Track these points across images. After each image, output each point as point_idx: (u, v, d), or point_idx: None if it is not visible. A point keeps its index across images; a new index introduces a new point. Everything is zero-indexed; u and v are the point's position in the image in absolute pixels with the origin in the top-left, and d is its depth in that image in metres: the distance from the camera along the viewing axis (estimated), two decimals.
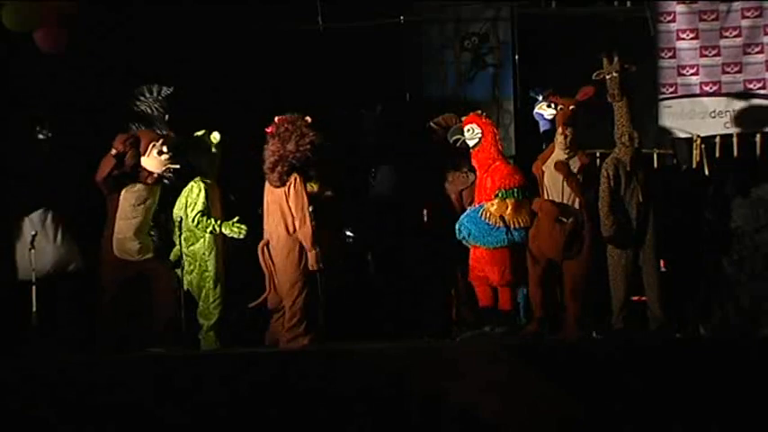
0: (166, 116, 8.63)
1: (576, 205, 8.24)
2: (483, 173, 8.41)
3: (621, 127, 8.34)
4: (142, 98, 8.69)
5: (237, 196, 8.63)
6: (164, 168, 8.28)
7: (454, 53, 10.33)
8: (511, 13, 10.27)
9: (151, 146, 8.23)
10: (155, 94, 8.69)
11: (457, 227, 8.33)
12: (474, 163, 8.47)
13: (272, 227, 8.18)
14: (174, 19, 9.30)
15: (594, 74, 8.39)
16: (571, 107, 8.39)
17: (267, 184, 8.26)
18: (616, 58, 8.30)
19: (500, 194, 8.29)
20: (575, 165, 8.31)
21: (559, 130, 8.34)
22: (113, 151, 8.18)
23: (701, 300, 8.48)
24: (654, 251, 8.25)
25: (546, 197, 8.29)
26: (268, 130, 8.23)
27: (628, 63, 8.33)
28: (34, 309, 7.97)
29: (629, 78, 8.36)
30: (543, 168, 8.36)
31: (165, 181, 8.41)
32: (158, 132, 8.45)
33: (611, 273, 8.32)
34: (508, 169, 8.40)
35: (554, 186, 8.29)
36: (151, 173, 8.25)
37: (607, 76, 8.32)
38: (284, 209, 8.13)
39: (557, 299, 8.41)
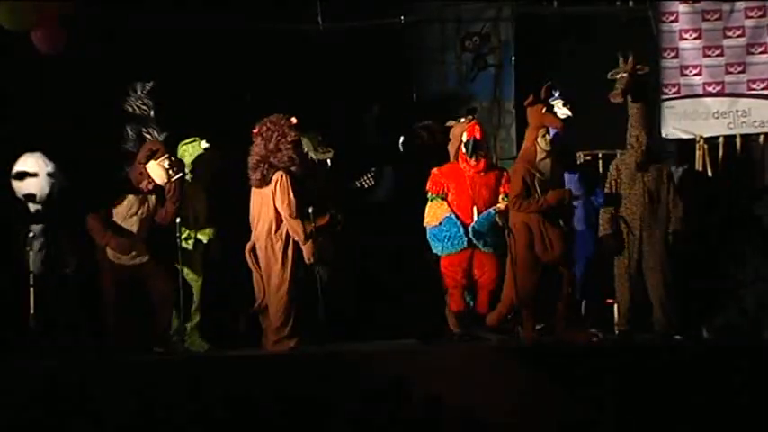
0: (152, 113, 8.55)
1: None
2: (484, 176, 8.37)
3: (631, 128, 8.31)
4: (129, 98, 8.63)
5: (231, 200, 8.61)
6: (164, 181, 8.15)
7: (455, 53, 10.32)
8: (512, 13, 10.25)
9: (164, 156, 8.14)
10: (138, 92, 8.63)
11: (469, 236, 8.24)
12: (476, 168, 8.37)
13: (259, 229, 8.15)
14: (173, 19, 9.27)
15: (610, 73, 8.34)
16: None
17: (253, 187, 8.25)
18: (630, 59, 8.27)
19: (506, 198, 8.32)
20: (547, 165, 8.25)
21: (541, 132, 8.22)
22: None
23: (705, 302, 8.44)
24: (660, 255, 8.21)
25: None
26: (254, 130, 8.22)
27: (641, 65, 8.30)
28: (32, 310, 7.98)
29: (643, 80, 8.36)
30: (534, 171, 8.24)
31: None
32: (165, 147, 8.39)
33: (616, 275, 8.30)
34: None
35: (546, 189, 8.19)
36: (152, 180, 8.19)
37: (617, 76, 8.28)
38: (271, 210, 8.09)
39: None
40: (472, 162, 8.34)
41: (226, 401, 7.16)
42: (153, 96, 8.59)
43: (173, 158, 8.20)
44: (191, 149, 8.55)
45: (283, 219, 8.06)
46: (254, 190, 8.22)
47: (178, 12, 9.29)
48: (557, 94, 8.93)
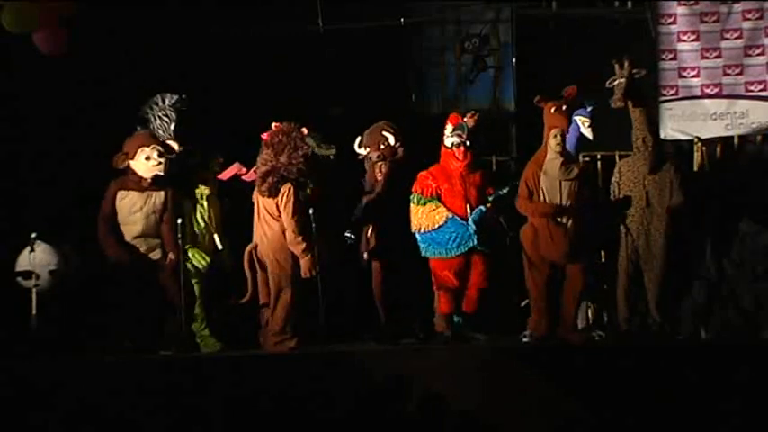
0: (172, 125, 8.51)
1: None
2: (473, 174, 8.34)
3: (636, 131, 8.34)
4: (155, 106, 8.59)
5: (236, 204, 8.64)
6: (151, 174, 8.20)
7: (455, 55, 10.33)
8: (511, 14, 10.27)
9: (140, 150, 8.20)
10: (164, 103, 8.60)
11: (466, 238, 8.19)
12: (465, 164, 8.32)
13: (262, 231, 8.18)
14: (172, 22, 9.28)
15: (608, 81, 8.37)
16: (564, 107, 8.27)
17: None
18: (626, 63, 8.29)
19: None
20: (572, 169, 8.25)
21: (553, 132, 8.17)
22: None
23: (702, 302, 8.47)
24: (661, 256, 8.23)
25: (543, 201, 8.21)
26: (264, 136, 8.22)
27: (637, 68, 8.32)
28: (34, 311, 8.00)
29: (640, 82, 8.38)
30: (540, 173, 8.23)
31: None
32: (152, 137, 8.37)
33: (618, 276, 8.34)
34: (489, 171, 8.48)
35: (551, 190, 8.20)
36: (142, 177, 8.21)
37: (615, 83, 8.31)
38: (274, 215, 8.12)
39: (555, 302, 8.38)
40: (459, 153, 8.27)
41: (226, 401, 7.18)
42: (179, 110, 8.55)
43: (157, 149, 8.20)
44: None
45: (286, 232, 8.09)
46: (257, 194, 8.26)
47: (177, 14, 9.29)
48: (589, 109, 8.90)
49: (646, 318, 8.37)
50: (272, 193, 8.09)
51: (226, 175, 8.51)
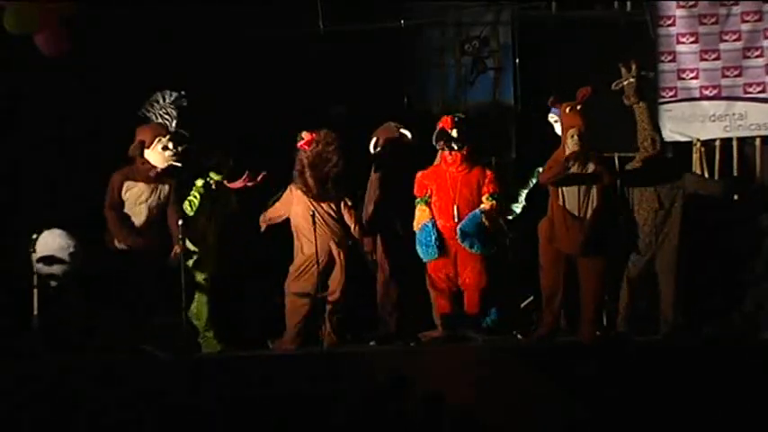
0: (173, 123, 8.53)
1: (593, 205, 8.22)
2: (466, 175, 8.38)
3: (643, 131, 8.36)
4: (155, 104, 8.61)
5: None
6: (166, 164, 8.20)
7: (455, 57, 10.34)
8: (511, 16, 10.29)
9: (157, 140, 8.21)
10: (162, 101, 8.62)
11: (460, 237, 8.28)
12: (456, 166, 8.38)
13: (328, 233, 8.31)
14: (169, 23, 9.29)
15: (614, 83, 8.42)
16: (579, 107, 8.29)
17: (301, 197, 8.36)
18: (634, 66, 8.33)
19: (496, 197, 8.34)
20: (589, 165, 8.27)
21: (570, 132, 8.20)
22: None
23: (704, 303, 8.49)
24: (674, 256, 8.24)
25: (561, 200, 8.23)
26: (306, 146, 8.27)
27: (645, 70, 8.37)
28: (35, 311, 8.01)
29: (645, 83, 8.43)
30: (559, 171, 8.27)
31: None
32: (166, 128, 8.38)
33: (625, 277, 8.36)
34: (491, 171, 8.49)
35: (569, 188, 8.22)
36: (154, 167, 8.21)
37: (625, 83, 8.36)
38: (337, 216, 8.36)
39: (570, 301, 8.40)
40: (446, 155, 8.34)
41: (226, 401, 7.18)
42: (180, 110, 8.57)
43: (171, 139, 8.22)
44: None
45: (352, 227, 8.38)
46: (305, 200, 8.33)
47: (175, 14, 9.31)
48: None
49: (648, 319, 8.41)
50: (338, 195, 8.33)
51: (237, 184, 8.62)
